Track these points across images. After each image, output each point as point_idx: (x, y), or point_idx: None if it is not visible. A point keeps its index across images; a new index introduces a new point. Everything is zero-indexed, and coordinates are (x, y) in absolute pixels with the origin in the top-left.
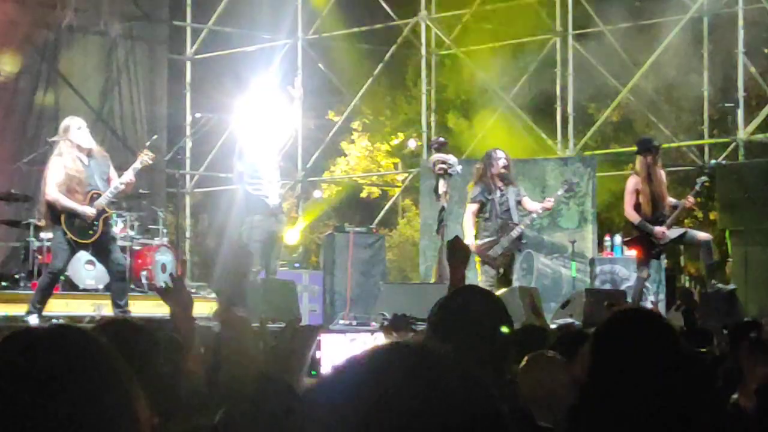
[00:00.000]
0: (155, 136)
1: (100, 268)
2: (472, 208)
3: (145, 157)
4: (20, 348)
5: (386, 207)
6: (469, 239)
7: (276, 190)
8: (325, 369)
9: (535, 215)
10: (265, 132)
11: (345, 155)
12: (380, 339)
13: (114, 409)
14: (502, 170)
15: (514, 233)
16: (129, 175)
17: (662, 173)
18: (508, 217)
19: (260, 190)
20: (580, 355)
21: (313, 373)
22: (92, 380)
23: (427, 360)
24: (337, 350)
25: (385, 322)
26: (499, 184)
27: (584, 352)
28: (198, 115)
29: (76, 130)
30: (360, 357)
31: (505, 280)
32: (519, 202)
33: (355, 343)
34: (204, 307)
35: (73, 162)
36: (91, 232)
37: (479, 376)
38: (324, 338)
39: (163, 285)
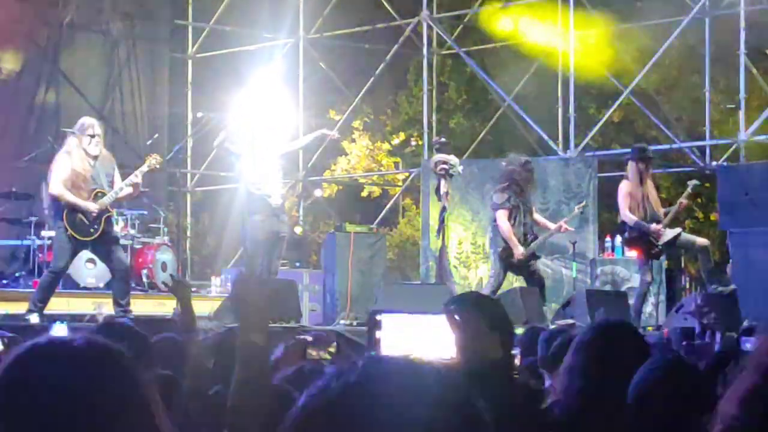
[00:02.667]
0: (156, 135)
1: (101, 266)
2: (503, 215)
3: (152, 161)
4: (45, 360)
5: (387, 206)
6: (517, 248)
7: (278, 189)
8: (386, 350)
9: (552, 233)
10: (267, 131)
11: (346, 154)
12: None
13: (137, 422)
14: (533, 177)
15: (535, 244)
16: (135, 178)
17: (650, 181)
18: (528, 224)
19: (262, 189)
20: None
21: (372, 354)
22: (116, 393)
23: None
24: (398, 330)
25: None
26: (525, 190)
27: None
28: (199, 114)
29: (89, 137)
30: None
31: (531, 280)
32: (531, 207)
33: (423, 323)
34: (204, 306)
35: (80, 161)
36: (92, 230)
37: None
38: (384, 318)
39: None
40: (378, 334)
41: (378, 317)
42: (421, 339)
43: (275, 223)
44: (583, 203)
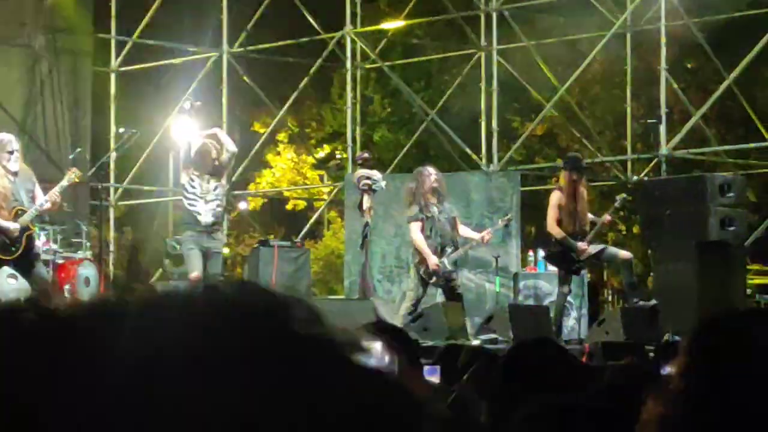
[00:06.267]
0: (79, 149)
1: (22, 281)
2: (416, 226)
3: (72, 176)
4: None
5: (312, 219)
6: (432, 258)
7: (211, 208)
8: None
9: (474, 243)
10: (197, 147)
11: (270, 167)
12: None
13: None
14: (434, 186)
15: (455, 255)
16: (55, 193)
17: (584, 191)
18: (446, 236)
19: (194, 206)
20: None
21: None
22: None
23: None
24: None
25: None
26: (433, 200)
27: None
28: (121, 130)
29: (7, 153)
30: None
31: (451, 294)
32: (454, 220)
33: None
34: None
35: None
36: (13, 248)
37: None
38: None
39: None
40: None
41: None
42: None
43: (206, 239)
44: (508, 216)
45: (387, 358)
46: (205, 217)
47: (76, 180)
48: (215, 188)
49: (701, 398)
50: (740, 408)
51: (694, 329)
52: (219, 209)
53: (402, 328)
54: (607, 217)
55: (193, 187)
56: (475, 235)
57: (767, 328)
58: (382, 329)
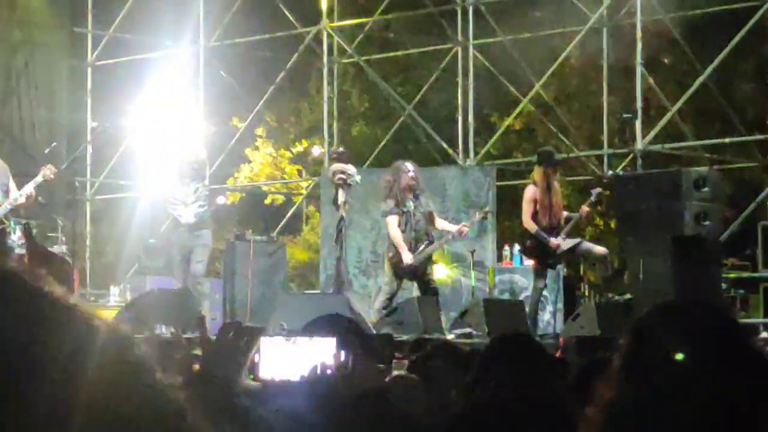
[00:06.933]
0: (54, 143)
1: None
2: (393, 221)
3: (47, 172)
4: None
5: (289, 214)
6: (406, 254)
7: (192, 210)
8: (265, 373)
9: (450, 237)
10: (174, 150)
11: (249, 162)
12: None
13: None
14: (411, 182)
15: (430, 249)
16: (29, 189)
17: (557, 185)
18: (421, 230)
19: (176, 209)
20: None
21: (251, 376)
22: None
23: None
24: (277, 354)
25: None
26: (409, 195)
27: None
28: (95, 124)
29: None
30: None
31: (426, 288)
32: (430, 214)
33: (301, 347)
34: (106, 316)
35: None
36: None
37: None
38: (263, 342)
39: None
40: (257, 357)
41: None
42: (299, 362)
43: (190, 238)
44: (486, 209)
45: (342, 352)
46: (187, 219)
47: (51, 177)
48: (196, 190)
49: (638, 383)
50: (674, 394)
51: (638, 317)
52: (201, 209)
53: (357, 321)
54: (583, 211)
55: (174, 191)
56: (452, 228)
57: (708, 319)
58: (337, 323)
